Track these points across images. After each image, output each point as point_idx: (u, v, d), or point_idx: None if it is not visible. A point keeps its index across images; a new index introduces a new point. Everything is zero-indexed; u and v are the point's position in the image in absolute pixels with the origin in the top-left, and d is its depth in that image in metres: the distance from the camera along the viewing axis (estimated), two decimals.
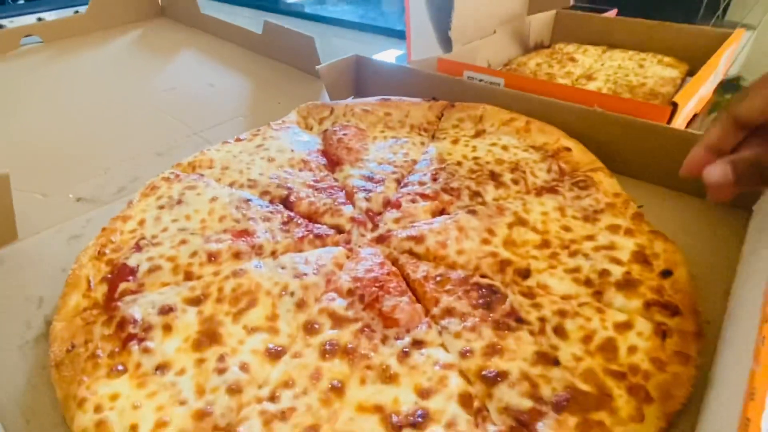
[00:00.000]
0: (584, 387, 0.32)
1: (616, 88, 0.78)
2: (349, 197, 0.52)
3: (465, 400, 0.32)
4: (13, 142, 0.68)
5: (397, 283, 0.41)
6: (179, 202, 0.50)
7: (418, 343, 0.36)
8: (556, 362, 0.34)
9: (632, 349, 0.34)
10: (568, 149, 0.54)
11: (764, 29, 1.10)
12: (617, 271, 0.39)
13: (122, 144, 0.67)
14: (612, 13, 1.01)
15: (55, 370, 0.35)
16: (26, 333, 0.40)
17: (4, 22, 1.78)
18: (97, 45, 1.00)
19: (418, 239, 0.45)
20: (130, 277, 0.41)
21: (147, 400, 0.32)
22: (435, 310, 0.38)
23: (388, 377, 0.34)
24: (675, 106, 0.55)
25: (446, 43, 0.75)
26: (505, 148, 0.56)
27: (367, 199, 0.50)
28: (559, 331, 0.36)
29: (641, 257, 0.40)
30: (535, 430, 0.30)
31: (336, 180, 0.55)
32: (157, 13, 1.12)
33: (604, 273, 0.39)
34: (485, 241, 0.44)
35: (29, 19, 1.83)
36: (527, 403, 0.31)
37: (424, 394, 0.32)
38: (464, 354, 0.35)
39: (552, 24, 0.99)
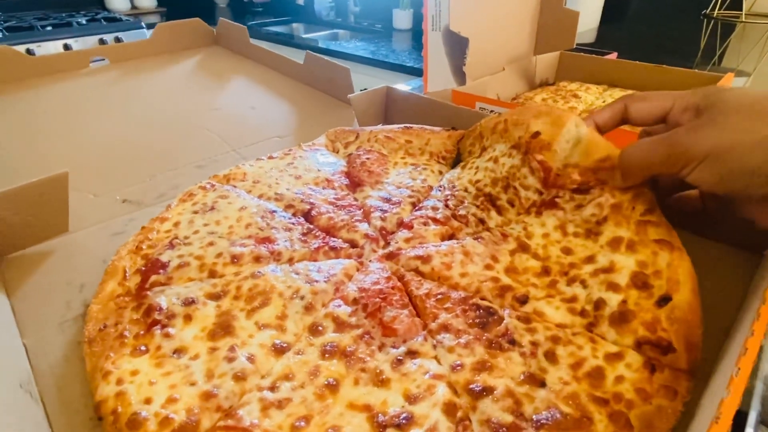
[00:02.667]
0: (566, 409, 0.33)
1: None
2: (366, 216, 0.55)
3: (449, 408, 0.34)
4: (76, 148, 0.76)
5: (400, 296, 0.43)
6: (212, 208, 0.55)
7: (412, 353, 0.38)
8: (542, 384, 0.35)
9: (619, 379, 0.34)
10: (536, 134, 0.51)
11: (758, 76, 1.11)
12: (613, 301, 0.39)
13: (168, 155, 0.74)
14: (612, 56, 1.07)
15: (87, 346, 0.39)
16: (66, 313, 0.45)
17: (70, 42, 1.97)
18: (155, 67, 1.10)
19: (425, 259, 0.47)
20: (161, 271, 0.46)
21: (162, 378, 0.36)
22: (432, 325, 0.40)
23: (380, 381, 0.36)
24: None
25: (460, 77, 0.81)
26: (495, 160, 0.55)
27: (383, 219, 0.54)
28: (550, 356, 0.37)
29: (640, 280, 0.40)
30: None
31: (356, 200, 0.58)
32: (212, 41, 1.22)
33: (599, 304, 0.40)
34: (488, 267, 0.46)
35: (93, 40, 2.03)
36: (508, 418, 0.33)
37: (411, 399, 0.34)
38: (455, 367, 0.37)
39: (557, 64, 1.06)
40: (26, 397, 0.34)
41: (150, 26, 2.23)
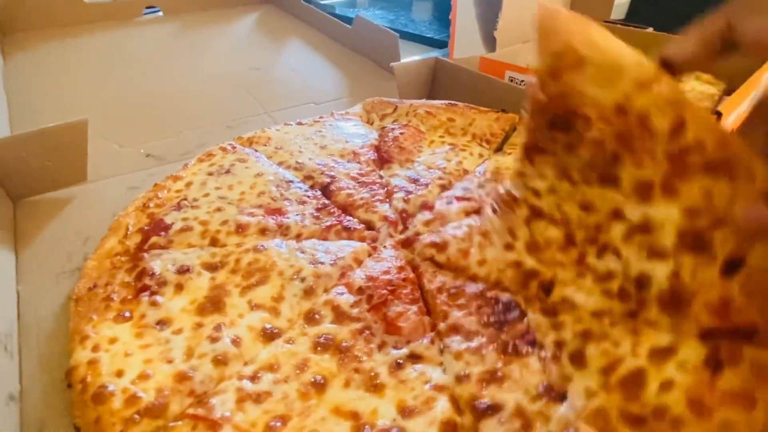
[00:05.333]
0: None
1: None
2: (388, 196, 0.50)
3: (447, 429, 0.29)
4: (113, 96, 0.75)
5: (411, 290, 0.38)
6: (227, 171, 0.51)
7: (414, 357, 0.33)
8: (562, 398, 0.28)
9: (665, 386, 0.25)
10: None
11: None
12: (660, 274, 0.27)
13: (200, 112, 0.71)
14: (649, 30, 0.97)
15: (74, 304, 0.37)
16: (66, 264, 0.44)
17: None
18: (207, 23, 1.08)
19: (441, 246, 0.41)
20: (163, 233, 0.43)
21: (139, 350, 0.33)
22: (442, 326, 0.35)
23: (373, 386, 0.31)
24: (719, 115, 0.53)
25: (490, 44, 0.74)
26: None
27: (405, 200, 0.48)
28: (577, 358, 0.29)
29: (692, 237, 0.26)
30: None
31: (381, 177, 0.53)
32: None
33: (642, 280, 0.28)
34: (508, 247, 0.36)
35: None
36: None
37: (405, 412, 0.30)
38: (460, 378, 0.31)
39: None
40: None
41: None
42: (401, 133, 0.58)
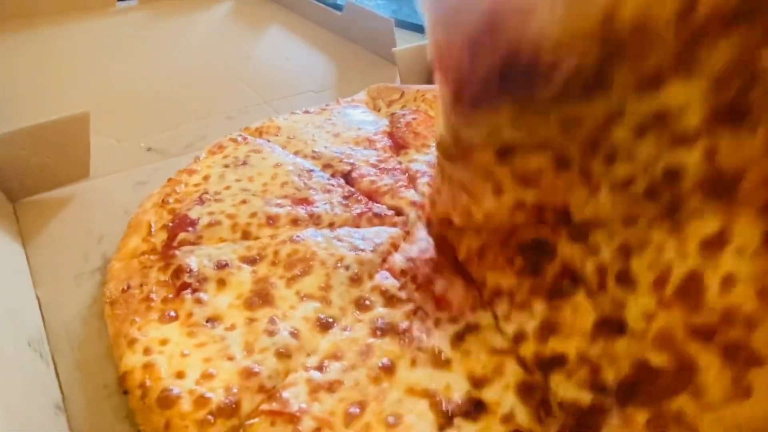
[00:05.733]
0: (657, 360, 0.23)
1: None
2: (412, 181, 0.50)
3: (524, 390, 0.29)
4: (100, 91, 0.71)
5: (452, 264, 0.38)
6: (244, 163, 0.50)
7: (471, 327, 0.33)
8: (621, 329, 0.25)
9: (728, 282, 0.21)
10: None
11: None
12: (692, 160, 0.22)
13: (196, 104, 0.68)
14: None
15: (109, 307, 0.35)
16: (83, 265, 0.41)
17: None
18: (187, 11, 1.03)
19: (447, 223, 0.38)
20: (190, 228, 0.41)
21: (195, 349, 0.32)
22: (485, 293, 0.35)
23: (439, 362, 0.31)
24: None
25: None
26: None
27: (430, 185, 0.48)
28: (623, 279, 0.25)
29: (726, 104, 0.21)
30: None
31: (399, 163, 0.53)
32: None
33: (671, 175, 0.23)
34: (497, 191, 0.31)
35: None
36: (587, 397, 0.26)
37: (478, 382, 0.30)
38: (518, 338, 0.31)
39: None
40: (35, 357, 0.31)
41: None
42: (413, 119, 0.58)
